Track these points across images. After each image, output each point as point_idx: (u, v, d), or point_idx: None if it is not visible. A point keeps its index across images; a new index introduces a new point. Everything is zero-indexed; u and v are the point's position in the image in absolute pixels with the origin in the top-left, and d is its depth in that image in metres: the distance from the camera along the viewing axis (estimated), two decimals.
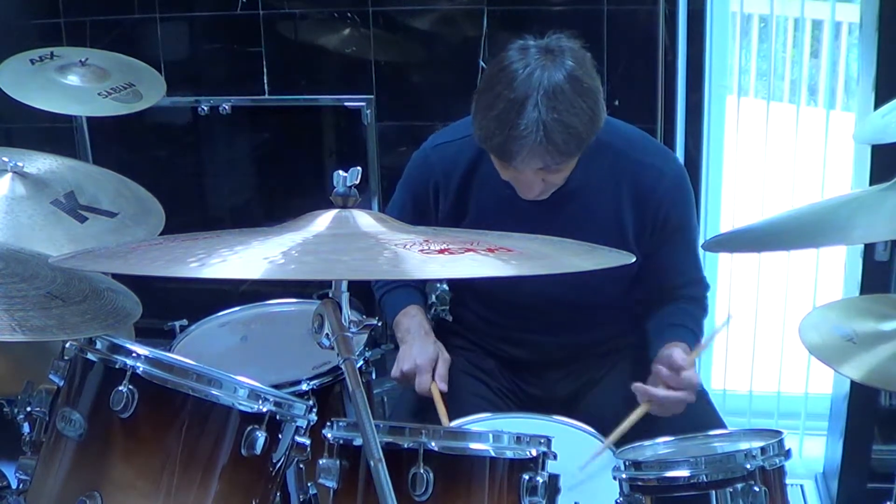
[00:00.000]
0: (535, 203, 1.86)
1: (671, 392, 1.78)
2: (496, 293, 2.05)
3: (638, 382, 1.81)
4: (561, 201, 1.88)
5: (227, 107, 3.01)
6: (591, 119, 1.73)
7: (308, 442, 1.54)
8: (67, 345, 1.50)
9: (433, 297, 2.25)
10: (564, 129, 1.69)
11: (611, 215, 1.93)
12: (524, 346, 2.09)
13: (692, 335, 1.95)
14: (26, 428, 1.55)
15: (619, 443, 1.69)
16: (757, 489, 1.42)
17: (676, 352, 1.82)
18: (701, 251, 2.06)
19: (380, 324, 2.15)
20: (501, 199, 1.89)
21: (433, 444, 1.39)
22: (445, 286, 2.24)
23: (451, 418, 1.84)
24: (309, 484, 1.57)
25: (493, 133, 1.71)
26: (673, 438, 1.66)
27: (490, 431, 1.45)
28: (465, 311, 2.15)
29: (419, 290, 2.14)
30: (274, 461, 1.50)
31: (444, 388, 1.90)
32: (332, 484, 1.44)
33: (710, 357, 3.05)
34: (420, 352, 1.93)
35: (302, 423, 1.52)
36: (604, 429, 1.77)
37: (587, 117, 1.71)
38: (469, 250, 1.22)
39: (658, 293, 2.02)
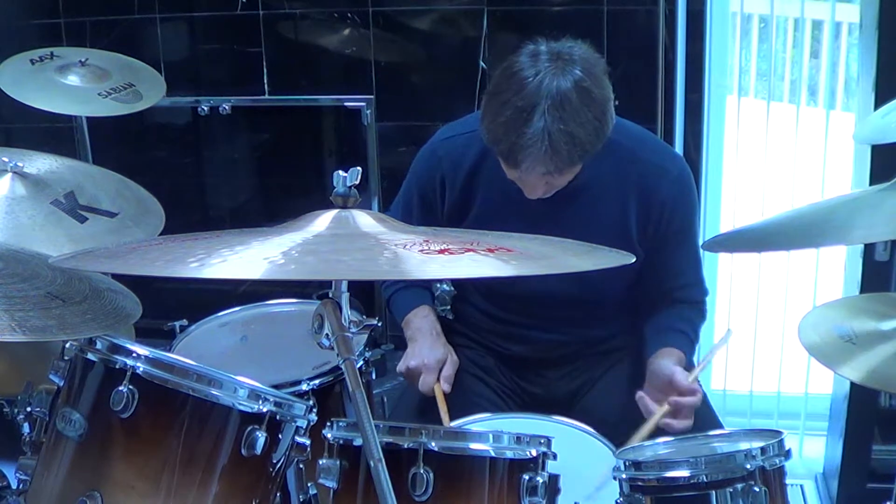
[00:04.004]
0: (540, 199, 1.87)
1: (688, 398, 1.79)
2: (498, 288, 2.05)
3: (641, 393, 1.82)
4: (566, 198, 1.88)
5: (227, 107, 3.02)
6: (597, 129, 1.75)
7: (308, 442, 1.54)
8: (67, 345, 1.50)
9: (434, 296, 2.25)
10: (569, 139, 1.71)
11: (615, 213, 1.94)
12: (525, 343, 2.09)
13: (688, 341, 1.96)
14: (26, 428, 1.55)
15: (619, 442, 1.69)
16: (757, 489, 1.42)
17: (678, 373, 1.82)
18: (701, 253, 2.06)
19: (380, 324, 2.15)
20: (507, 195, 1.89)
21: (433, 444, 1.39)
22: (446, 286, 2.24)
23: (451, 417, 1.84)
24: (309, 484, 1.56)
25: (500, 138, 1.74)
26: (673, 438, 1.66)
27: (490, 431, 1.46)
28: (467, 306, 2.16)
29: (428, 290, 2.15)
30: (274, 461, 1.50)
31: (448, 388, 1.92)
32: (332, 484, 1.44)
33: None
34: (429, 351, 1.97)
35: (302, 423, 1.52)
36: (603, 429, 1.77)
37: (592, 128, 1.73)
38: (469, 250, 1.22)
39: (656, 294, 2.02)
